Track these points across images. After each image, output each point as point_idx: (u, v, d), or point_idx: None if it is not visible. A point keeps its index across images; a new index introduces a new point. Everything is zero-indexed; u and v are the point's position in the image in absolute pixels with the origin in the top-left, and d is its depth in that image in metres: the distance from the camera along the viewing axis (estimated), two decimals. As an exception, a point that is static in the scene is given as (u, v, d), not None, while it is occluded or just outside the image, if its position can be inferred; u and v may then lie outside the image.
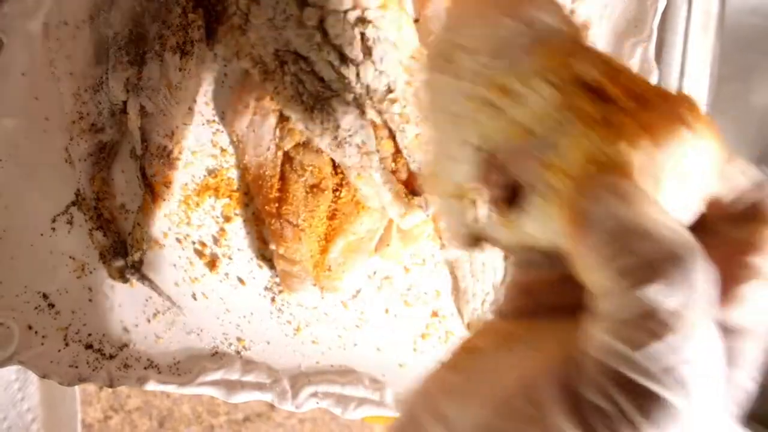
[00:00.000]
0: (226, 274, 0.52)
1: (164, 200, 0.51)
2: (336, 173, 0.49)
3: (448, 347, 0.51)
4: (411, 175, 0.49)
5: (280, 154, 0.50)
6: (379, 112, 0.48)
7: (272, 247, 0.50)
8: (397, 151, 0.48)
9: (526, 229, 0.28)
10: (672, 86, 0.53)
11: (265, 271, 0.52)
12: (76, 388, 0.58)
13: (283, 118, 0.49)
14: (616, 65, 0.27)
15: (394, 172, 0.49)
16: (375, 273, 0.51)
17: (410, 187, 0.49)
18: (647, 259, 0.23)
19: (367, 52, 0.47)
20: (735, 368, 0.28)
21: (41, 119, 0.52)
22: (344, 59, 0.47)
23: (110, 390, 0.60)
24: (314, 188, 0.49)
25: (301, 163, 0.49)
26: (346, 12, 0.46)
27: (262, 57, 0.48)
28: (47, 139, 0.52)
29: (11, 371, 0.57)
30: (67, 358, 0.51)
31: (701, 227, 0.27)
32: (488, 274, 0.50)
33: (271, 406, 0.61)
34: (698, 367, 0.23)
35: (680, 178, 0.25)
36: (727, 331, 0.27)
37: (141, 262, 0.51)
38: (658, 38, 0.51)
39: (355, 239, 0.49)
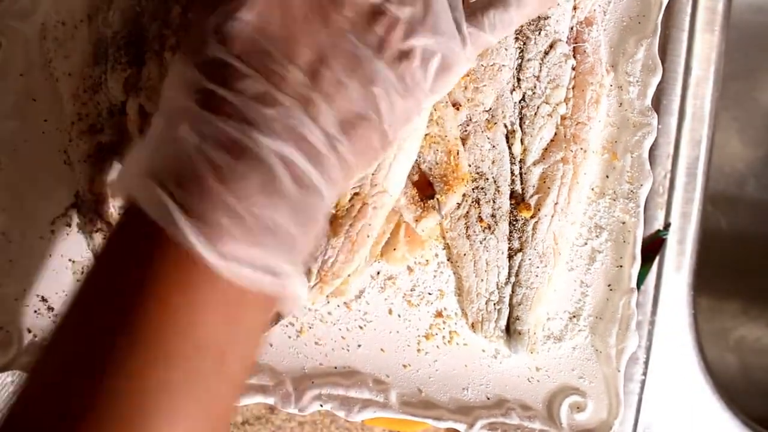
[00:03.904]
0: (228, 276, 0.52)
1: (165, 201, 0.50)
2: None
3: (452, 347, 0.51)
4: (422, 176, 0.49)
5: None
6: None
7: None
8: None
9: None
10: (676, 84, 0.53)
11: (267, 272, 0.51)
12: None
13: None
14: None
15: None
16: (378, 273, 0.51)
17: (423, 189, 0.49)
18: None
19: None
20: None
21: (40, 121, 0.51)
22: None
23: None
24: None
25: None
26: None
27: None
28: (46, 141, 0.52)
29: (7, 373, 0.56)
30: (67, 362, 0.51)
31: None
32: (492, 273, 0.50)
33: (270, 409, 0.60)
34: None
35: None
36: None
37: (141, 264, 0.50)
38: (663, 35, 0.50)
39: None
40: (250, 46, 0.31)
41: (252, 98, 0.30)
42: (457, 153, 0.48)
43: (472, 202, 0.49)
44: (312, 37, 0.31)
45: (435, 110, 0.48)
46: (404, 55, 0.32)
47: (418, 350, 0.51)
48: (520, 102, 0.49)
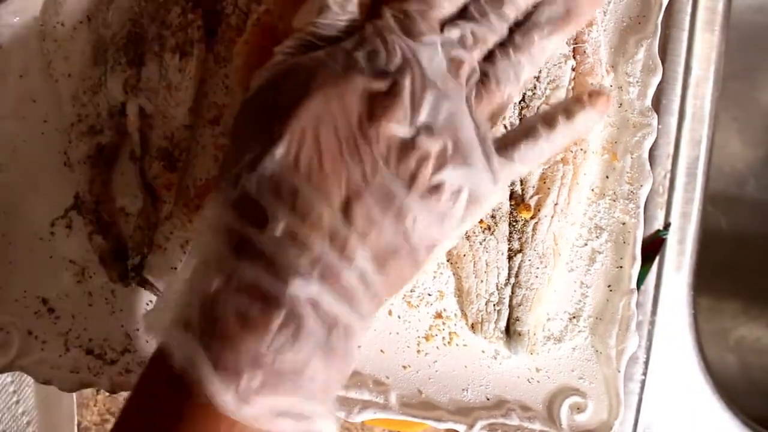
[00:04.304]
0: (228, 277, 0.51)
1: (165, 203, 0.50)
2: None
3: (452, 348, 0.51)
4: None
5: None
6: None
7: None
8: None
9: None
10: (676, 84, 0.53)
11: (267, 273, 0.51)
12: (74, 391, 0.58)
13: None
14: None
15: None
16: (378, 274, 0.51)
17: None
18: None
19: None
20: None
21: (39, 122, 0.51)
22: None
23: (107, 393, 0.60)
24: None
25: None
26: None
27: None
28: (45, 142, 0.51)
29: (7, 374, 0.56)
30: (67, 364, 0.51)
31: None
32: (491, 274, 0.50)
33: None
34: None
35: None
36: None
37: (142, 266, 0.50)
38: (663, 35, 0.50)
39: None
40: (282, 184, 0.31)
41: (282, 241, 0.31)
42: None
43: (472, 202, 0.49)
44: (345, 172, 0.32)
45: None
46: (434, 188, 0.33)
47: (418, 351, 0.51)
48: (520, 103, 0.49)
